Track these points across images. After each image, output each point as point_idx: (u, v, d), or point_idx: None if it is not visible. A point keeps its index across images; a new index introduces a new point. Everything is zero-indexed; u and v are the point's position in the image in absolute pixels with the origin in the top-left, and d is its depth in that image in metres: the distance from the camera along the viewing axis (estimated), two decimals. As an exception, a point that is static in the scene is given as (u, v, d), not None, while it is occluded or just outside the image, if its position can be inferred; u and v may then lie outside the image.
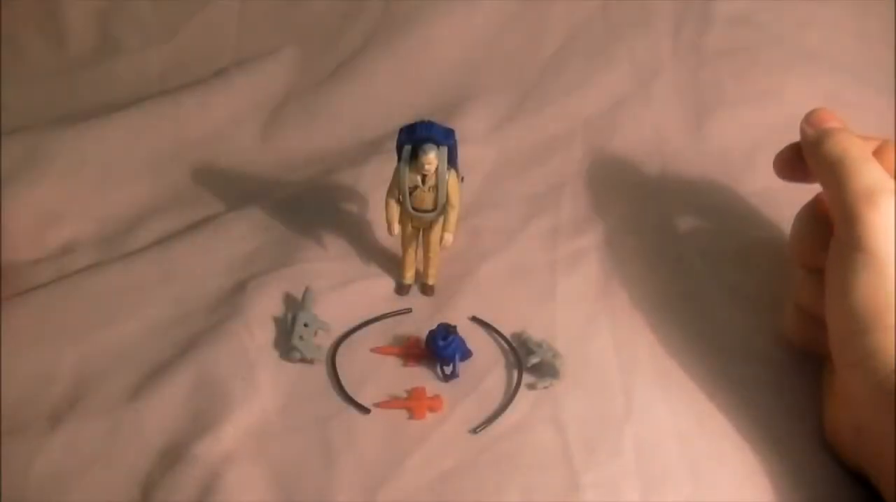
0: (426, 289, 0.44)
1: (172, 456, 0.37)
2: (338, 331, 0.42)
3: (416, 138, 0.40)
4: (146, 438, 0.38)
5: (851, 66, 0.56)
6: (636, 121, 0.54)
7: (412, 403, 0.39)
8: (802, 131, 0.42)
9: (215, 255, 0.46)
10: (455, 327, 0.40)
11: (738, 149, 0.53)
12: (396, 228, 0.42)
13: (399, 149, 0.41)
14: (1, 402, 0.39)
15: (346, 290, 0.44)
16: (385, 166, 0.43)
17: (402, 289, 0.44)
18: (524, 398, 0.39)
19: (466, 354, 0.40)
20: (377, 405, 0.39)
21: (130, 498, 0.36)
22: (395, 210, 0.42)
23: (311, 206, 0.48)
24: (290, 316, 0.41)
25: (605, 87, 0.55)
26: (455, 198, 0.41)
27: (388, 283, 0.44)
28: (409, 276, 0.44)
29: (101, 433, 0.38)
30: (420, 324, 0.41)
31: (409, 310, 0.43)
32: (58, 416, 0.38)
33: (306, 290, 0.42)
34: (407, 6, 0.57)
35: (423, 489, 0.36)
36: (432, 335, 0.40)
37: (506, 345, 0.41)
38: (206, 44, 0.57)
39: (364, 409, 0.39)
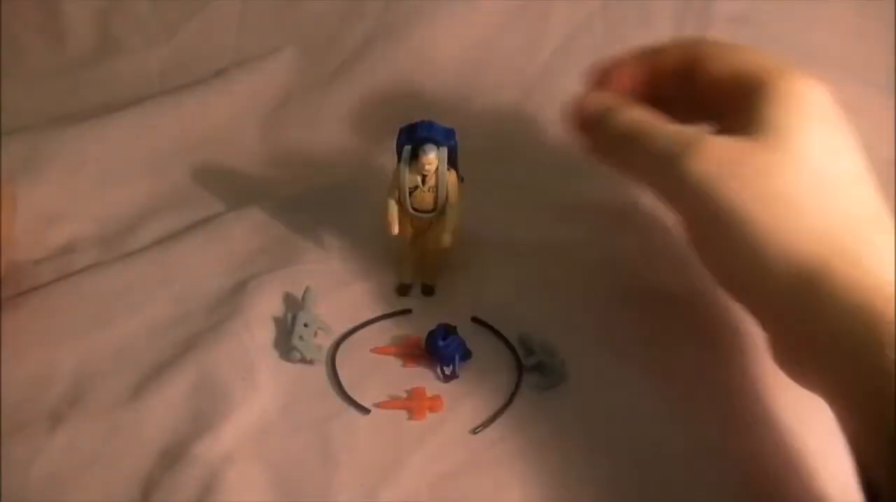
0: (427, 290, 0.44)
1: (172, 456, 0.37)
2: (338, 331, 0.42)
3: (416, 138, 0.40)
4: (146, 438, 0.37)
5: (851, 66, 0.56)
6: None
7: (412, 403, 0.39)
8: (581, 117, 0.41)
9: (215, 255, 0.46)
10: (455, 328, 0.40)
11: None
12: (396, 228, 0.42)
13: (399, 150, 0.41)
14: (1, 402, 0.39)
15: (347, 290, 0.44)
16: (385, 166, 0.43)
17: (402, 290, 0.44)
18: (524, 398, 0.39)
19: (466, 355, 0.40)
20: (377, 405, 0.39)
21: (130, 498, 0.36)
22: (395, 210, 0.41)
23: (311, 206, 0.48)
24: (290, 316, 0.41)
25: (605, 87, 0.55)
26: (455, 198, 0.41)
27: (388, 284, 0.44)
28: (409, 276, 0.44)
29: (101, 433, 0.38)
30: (420, 325, 0.41)
31: (409, 311, 0.43)
32: (58, 416, 0.38)
33: (306, 290, 0.42)
34: (407, 6, 0.57)
35: (423, 489, 0.36)
36: (432, 335, 0.40)
37: (506, 346, 0.41)
38: (206, 44, 0.57)
39: (364, 410, 0.39)
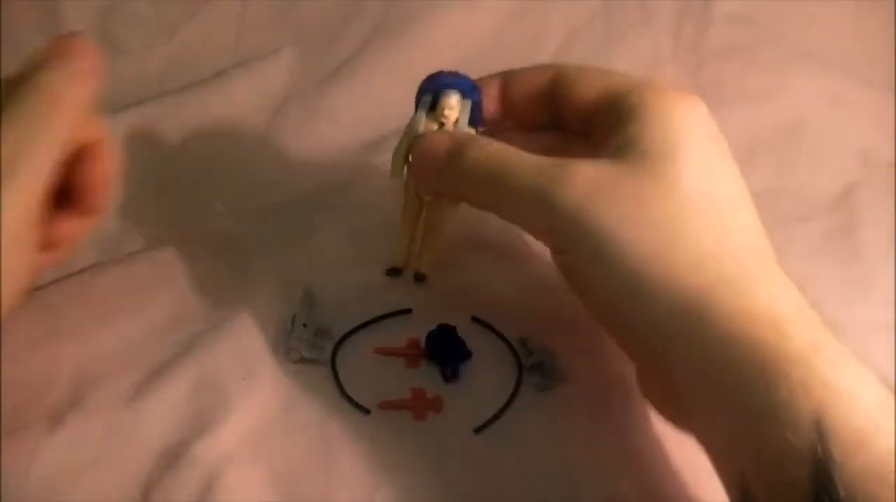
0: (420, 278, 0.42)
1: (172, 456, 0.37)
2: (338, 331, 0.42)
3: (439, 85, 0.38)
4: (146, 438, 0.37)
5: (851, 66, 0.56)
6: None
7: (413, 404, 0.39)
8: (423, 163, 0.38)
9: (215, 255, 0.46)
10: (455, 328, 0.40)
11: (738, 149, 0.53)
12: (402, 173, 0.38)
13: (418, 99, 0.39)
14: (1, 402, 0.39)
15: (347, 290, 0.44)
16: (385, 167, 0.43)
17: (392, 272, 0.42)
18: (524, 398, 0.39)
19: (467, 355, 0.40)
20: (378, 406, 0.39)
21: (130, 498, 0.36)
22: (402, 163, 0.38)
23: (311, 206, 0.48)
24: (290, 316, 0.41)
25: (605, 87, 0.55)
26: None
27: (388, 283, 0.44)
28: (402, 260, 0.42)
29: (101, 433, 0.38)
30: (420, 325, 0.41)
31: (409, 311, 0.43)
32: (58, 417, 0.38)
33: (306, 290, 0.42)
34: (407, 6, 0.57)
35: (423, 490, 0.36)
36: (432, 335, 0.40)
37: (506, 346, 0.41)
38: (206, 44, 0.57)
39: (364, 410, 0.39)
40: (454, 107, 0.37)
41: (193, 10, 0.58)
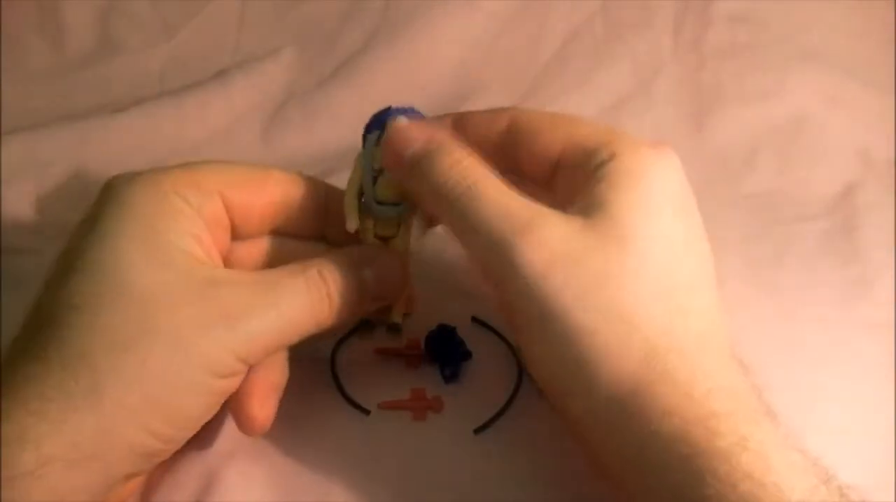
0: (393, 328, 0.39)
1: (172, 455, 0.37)
2: (338, 331, 0.42)
3: (385, 116, 0.36)
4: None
5: (851, 66, 0.56)
6: (636, 120, 0.54)
7: (413, 404, 0.39)
8: (393, 152, 0.35)
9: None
10: (455, 328, 0.40)
11: (738, 149, 0.53)
12: (355, 222, 0.36)
13: (365, 138, 0.37)
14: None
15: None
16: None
17: (363, 329, 0.40)
18: (524, 398, 0.39)
19: (467, 355, 0.40)
20: (378, 406, 0.39)
21: (130, 498, 0.36)
22: (355, 204, 0.36)
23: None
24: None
25: (605, 87, 0.55)
26: None
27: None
28: (372, 312, 0.38)
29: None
30: (420, 325, 0.41)
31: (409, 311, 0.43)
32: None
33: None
34: (407, 6, 0.57)
35: (423, 490, 0.36)
36: (432, 336, 0.40)
37: (506, 346, 0.41)
38: (206, 44, 0.57)
39: (364, 410, 0.39)
40: None
41: (193, 10, 0.58)
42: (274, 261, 0.36)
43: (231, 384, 0.33)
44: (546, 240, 0.30)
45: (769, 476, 0.27)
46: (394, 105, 0.37)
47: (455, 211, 0.32)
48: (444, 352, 0.40)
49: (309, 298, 0.33)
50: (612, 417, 0.30)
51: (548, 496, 0.36)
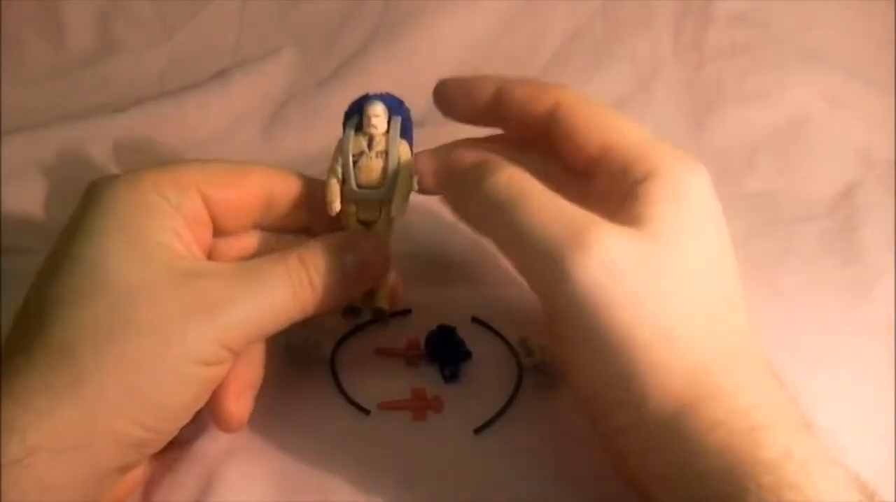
0: (379, 314, 0.38)
1: (172, 455, 0.37)
2: (338, 331, 0.42)
3: (362, 103, 0.36)
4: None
5: (851, 66, 0.56)
6: (636, 120, 0.53)
7: (413, 404, 0.39)
8: (448, 172, 0.36)
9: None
10: (455, 328, 0.40)
11: (738, 149, 0.53)
12: (337, 205, 0.36)
13: (345, 124, 0.37)
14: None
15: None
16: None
17: (348, 314, 0.38)
18: (524, 398, 0.39)
19: (466, 355, 0.40)
20: (378, 406, 0.39)
21: (130, 498, 0.36)
22: (336, 186, 0.36)
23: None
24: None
25: (605, 87, 0.55)
26: (408, 161, 0.36)
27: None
28: (358, 297, 0.38)
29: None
30: (420, 325, 0.41)
31: (409, 311, 0.43)
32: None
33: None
34: (407, 6, 0.57)
35: (423, 490, 0.36)
36: (432, 336, 0.40)
37: (506, 346, 0.41)
38: (206, 44, 0.57)
39: (364, 410, 0.39)
40: (380, 114, 0.35)
41: (193, 10, 0.58)
42: (257, 255, 0.37)
43: (218, 372, 0.33)
44: (600, 249, 0.30)
45: (813, 487, 0.27)
46: (370, 92, 0.37)
47: (505, 220, 0.32)
48: (444, 352, 0.40)
49: (290, 284, 0.33)
50: (659, 430, 0.30)
51: (548, 496, 0.36)
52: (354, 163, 0.36)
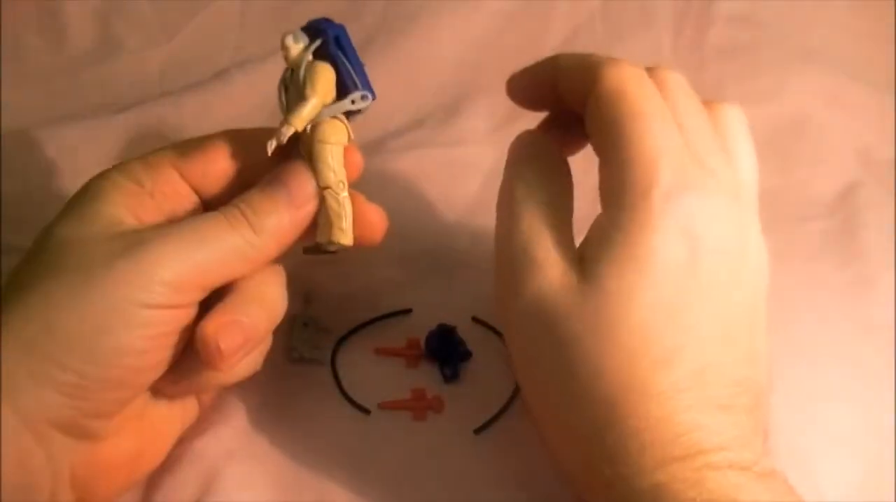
0: (321, 249, 0.35)
1: (172, 455, 0.37)
2: (338, 331, 0.42)
3: (321, 27, 0.35)
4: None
5: (851, 66, 0.56)
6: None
7: (413, 404, 0.39)
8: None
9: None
10: (455, 328, 0.40)
11: (739, 150, 0.53)
12: (273, 143, 0.34)
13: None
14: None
15: (347, 290, 0.44)
16: (386, 166, 0.43)
17: (309, 251, 0.36)
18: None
19: (467, 355, 0.40)
20: (378, 406, 0.39)
21: (131, 498, 0.36)
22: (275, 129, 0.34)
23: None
24: (290, 316, 0.41)
25: (605, 87, 0.55)
26: (317, 86, 0.34)
27: (389, 283, 0.44)
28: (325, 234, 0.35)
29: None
30: (420, 325, 0.41)
31: (409, 311, 0.43)
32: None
33: (307, 290, 0.42)
34: (407, 6, 0.57)
35: (423, 490, 0.36)
36: (432, 336, 0.40)
37: (506, 346, 0.41)
38: (207, 44, 0.57)
39: (364, 410, 0.39)
40: (289, 45, 0.35)
41: (193, 10, 0.58)
42: None
43: (163, 318, 0.31)
44: (535, 291, 0.31)
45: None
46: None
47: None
48: (444, 352, 0.40)
49: (227, 223, 0.33)
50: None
51: (548, 496, 0.36)
52: (284, 93, 0.36)
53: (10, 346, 0.29)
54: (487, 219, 0.47)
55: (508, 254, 0.33)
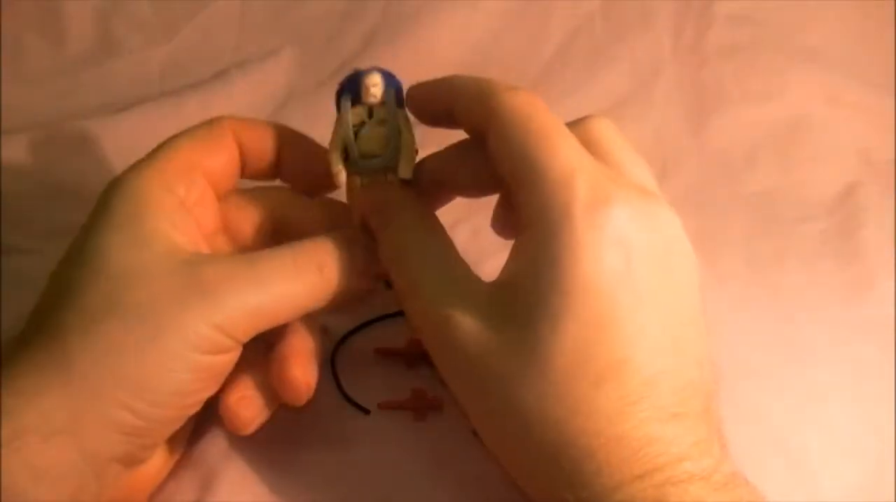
0: (390, 284, 0.37)
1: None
2: (338, 331, 0.42)
3: (355, 78, 0.36)
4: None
5: (851, 66, 0.56)
6: (637, 121, 0.54)
7: (413, 404, 0.39)
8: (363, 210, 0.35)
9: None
10: (455, 327, 0.40)
11: (739, 150, 0.53)
12: (343, 176, 0.36)
13: (338, 102, 0.37)
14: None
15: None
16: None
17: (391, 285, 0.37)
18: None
19: (467, 355, 0.40)
20: (378, 406, 0.39)
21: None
22: (338, 159, 0.36)
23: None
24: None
25: (605, 87, 0.55)
26: (409, 133, 0.36)
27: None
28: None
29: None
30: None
31: (409, 311, 0.43)
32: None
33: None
34: (407, 6, 0.57)
35: (423, 490, 0.36)
36: (432, 335, 0.40)
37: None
38: (206, 44, 0.57)
39: (364, 410, 0.39)
40: (378, 83, 0.35)
41: (193, 10, 0.58)
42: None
43: (221, 362, 0.32)
44: (458, 345, 0.30)
45: None
46: (361, 68, 0.37)
47: (396, 270, 0.34)
48: (444, 352, 0.40)
49: (295, 270, 0.33)
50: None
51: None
52: (356, 134, 0.36)
53: (76, 386, 0.29)
54: (486, 216, 0.48)
55: (420, 319, 0.33)
